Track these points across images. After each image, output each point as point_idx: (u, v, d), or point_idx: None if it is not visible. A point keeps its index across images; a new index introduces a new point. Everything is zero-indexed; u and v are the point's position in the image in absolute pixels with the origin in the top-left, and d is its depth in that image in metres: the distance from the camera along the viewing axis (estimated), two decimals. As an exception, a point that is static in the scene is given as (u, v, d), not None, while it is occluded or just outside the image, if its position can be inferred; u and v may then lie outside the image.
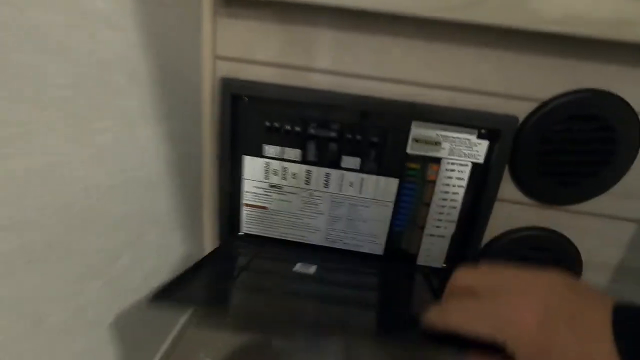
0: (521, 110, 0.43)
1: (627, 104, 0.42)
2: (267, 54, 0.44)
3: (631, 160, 0.44)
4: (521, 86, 0.43)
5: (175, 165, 0.40)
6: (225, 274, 0.44)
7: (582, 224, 0.48)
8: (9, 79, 0.21)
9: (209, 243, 0.55)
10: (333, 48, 0.43)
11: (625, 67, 0.41)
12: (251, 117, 0.46)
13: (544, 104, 0.43)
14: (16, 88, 0.21)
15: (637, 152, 0.43)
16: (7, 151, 0.21)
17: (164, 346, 0.45)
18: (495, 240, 0.50)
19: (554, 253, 0.49)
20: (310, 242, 0.52)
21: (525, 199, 0.48)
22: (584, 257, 0.50)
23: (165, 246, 0.41)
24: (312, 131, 0.46)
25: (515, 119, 0.43)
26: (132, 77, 0.30)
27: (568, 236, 0.49)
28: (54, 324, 0.26)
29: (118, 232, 0.32)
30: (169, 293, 0.32)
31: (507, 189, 0.47)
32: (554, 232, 0.49)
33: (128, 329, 0.36)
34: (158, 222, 0.38)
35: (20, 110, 0.22)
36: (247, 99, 0.46)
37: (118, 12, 0.29)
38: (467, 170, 0.46)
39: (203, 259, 0.42)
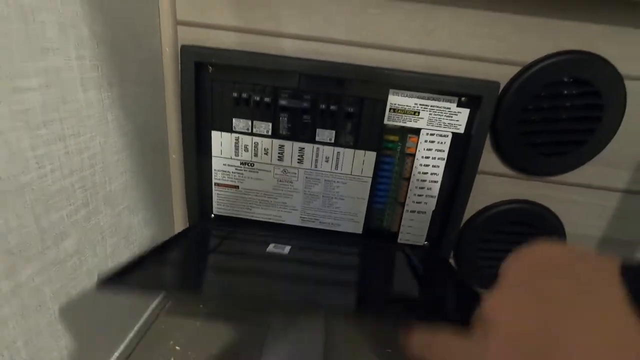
0: (503, 75, 0.41)
1: (613, 66, 0.40)
2: (232, 18, 0.41)
3: (616, 127, 0.42)
4: (502, 49, 0.40)
5: (132, 138, 0.37)
6: (193, 257, 0.41)
7: (567, 196, 0.46)
8: None
9: (179, 227, 0.52)
10: (301, 10, 0.40)
11: (610, 27, 0.39)
12: (217, 88, 0.43)
13: (526, 68, 0.41)
14: None
15: (622, 118, 0.42)
16: None
17: (130, 334, 0.42)
18: (477, 214, 0.48)
19: (538, 227, 0.48)
20: (286, 223, 0.50)
21: (508, 171, 0.46)
22: (567, 230, 0.48)
23: (123, 229, 0.38)
24: (283, 102, 0.43)
25: (497, 84, 0.41)
26: (66, 32, 0.27)
27: (552, 209, 0.47)
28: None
29: (57, 211, 0.28)
30: (120, 277, 0.29)
31: (489, 160, 0.45)
32: (537, 204, 0.47)
33: (80, 316, 0.33)
34: (111, 202, 0.35)
35: None
36: (212, 68, 0.42)
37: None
38: (447, 141, 0.44)
39: (166, 241, 0.39)
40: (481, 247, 0.49)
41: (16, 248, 0.25)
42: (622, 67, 0.40)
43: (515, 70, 0.41)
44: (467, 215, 0.48)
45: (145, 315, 0.46)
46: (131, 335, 0.43)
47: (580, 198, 0.46)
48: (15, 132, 0.24)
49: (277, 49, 0.42)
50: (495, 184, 0.46)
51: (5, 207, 0.24)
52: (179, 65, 0.42)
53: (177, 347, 0.44)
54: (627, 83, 0.40)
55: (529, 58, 0.40)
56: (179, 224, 0.51)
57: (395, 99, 0.42)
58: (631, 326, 0.15)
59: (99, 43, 0.31)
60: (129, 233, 0.40)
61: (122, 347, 0.41)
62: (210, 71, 0.42)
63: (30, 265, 0.27)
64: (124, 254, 0.39)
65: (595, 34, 0.39)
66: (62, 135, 0.28)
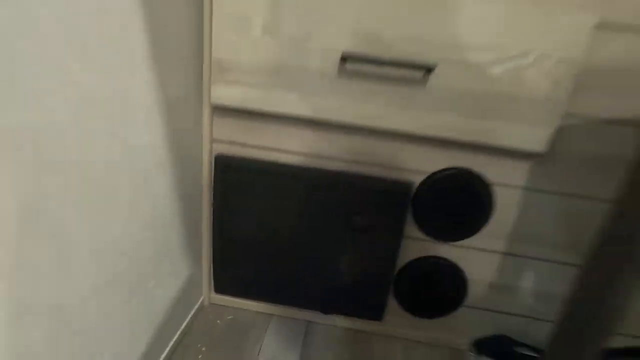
0: (415, 179, 0.65)
1: (485, 179, 0.63)
2: (250, 139, 0.66)
3: (490, 215, 0.65)
4: (414, 164, 0.64)
5: (181, 215, 0.62)
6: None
7: (464, 254, 0.69)
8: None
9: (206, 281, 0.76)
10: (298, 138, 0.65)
11: (483, 155, 0.62)
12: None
13: (429, 175, 0.65)
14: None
15: (492, 209, 0.65)
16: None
17: (175, 336, 0.66)
18: (405, 267, 0.71)
19: (449, 276, 0.71)
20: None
21: (425, 237, 0.69)
22: (468, 277, 0.71)
23: (174, 274, 0.62)
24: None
25: (409, 184, 0.65)
26: (151, 176, 0.51)
27: (454, 261, 0.70)
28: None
29: (149, 264, 0.53)
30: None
31: (412, 230, 0.69)
32: (444, 258, 0.70)
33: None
34: (170, 254, 0.60)
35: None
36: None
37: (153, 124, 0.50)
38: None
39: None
40: (411, 285, 0.72)
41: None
42: (491, 178, 0.63)
43: (423, 176, 0.65)
44: (400, 265, 0.71)
45: (185, 323, 0.70)
46: (175, 337, 0.66)
47: (471, 255, 0.69)
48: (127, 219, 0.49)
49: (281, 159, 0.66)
50: (414, 244, 0.70)
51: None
52: (213, 165, 0.67)
53: (203, 349, 0.68)
54: (493, 187, 0.64)
55: (432, 170, 0.64)
56: (206, 280, 0.75)
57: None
58: None
59: (172, 163, 0.56)
60: (177, 279, 0.64)
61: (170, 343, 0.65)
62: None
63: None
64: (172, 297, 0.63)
65: (474, 159, 0.63)
66: (151, 214, 0.53)
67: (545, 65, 0.54)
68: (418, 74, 0.55)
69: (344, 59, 0.56)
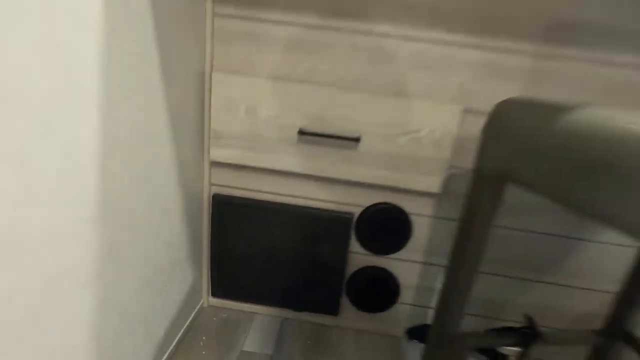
0: (356, 211, 0.91)
1: (404, 210, 0.90)
2: (239, 184, 0.92)
3: (409, 235, 0.92)
4: (351, 200, 0.91)
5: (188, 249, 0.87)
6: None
7: (395, 264, 0.95)
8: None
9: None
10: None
11: (401, 194, 0.89)
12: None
13: (366, 208, 0.91)
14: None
15: (411, 231, 0.91)
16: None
17: (182, 330, 0.90)
18: (353, 274, 0.97)
19: (386, 281, 0.96)
20: (259, 274, 0.98)
21: (366, 252, 0.95)
22: (400, 281, 0.96)
23: (182, 281, 0.87)
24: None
25: (352, 214, 0.91)
26: (168, 208, 0.76)
27: (389, 270, 0.96)
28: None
29: (166, 273, 0.78)
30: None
31: (356, 247, 0.94)
32: (381, 268, 0.96)
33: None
34: (179, 266, 0.84)
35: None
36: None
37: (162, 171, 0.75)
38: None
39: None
40: (358, 287, 0.97)
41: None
42: (408, 210, 0.90)
43: (361, 208, 0.91)
44: (349, 272, 0.96)
45: (191, 318, 0.94)
46: (183, 329, 0.91)
47: (400, 264, 0.95)
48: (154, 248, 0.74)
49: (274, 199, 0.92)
50: (359, 258, 0.95)
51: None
52: (211, 202, 0.92)
53: (203, 338, 0.92)
54: (411, 216, 0.90)
55: (366, 204, 0.91)
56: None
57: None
58: None
59: (181, 191, 0.81)
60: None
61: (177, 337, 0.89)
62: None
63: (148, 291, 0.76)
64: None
65: (398, 196, 0.89)
66: (170, 236, 0.78)
67: (434, 136, 0.81)
68: (350, 142, 0.83)
69: (301, 132, 0.82)
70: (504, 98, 0.78)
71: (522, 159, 0.50)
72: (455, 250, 0.67)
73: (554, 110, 0.46)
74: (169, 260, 0.80)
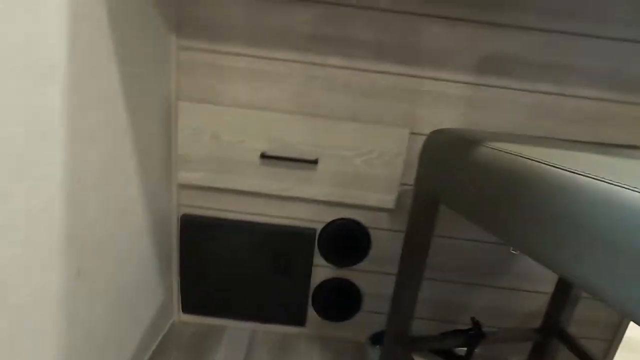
0: (318, 226, 0.98)
1: (363, 224, 0.97)
2: (206, 204, 0.97)
3: (368, 248, 0.99)
4: (315, 216, 0.97)
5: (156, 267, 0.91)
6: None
7: (357, 275, 1.02)
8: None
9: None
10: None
11: (360, 210, 0.96)
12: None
13: (327, 224, 0.97)
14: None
15: (370, 244, 0.98)
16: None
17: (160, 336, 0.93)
18: (318, 286, 1.03)
19: (349, 291, 1.03)
20: (228, 289, 1.03)
21: (329, 265, 1.01)
22: (362, 292, 1.03)
23: (155, 298, 0.90)
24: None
25: (314, 230, 0.97)
26: (137, 231, 0.80)
27: (352, 281, 1.02)
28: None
29: (139, 290, 0.81)
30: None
31: (320, 260, 1.01)
32: (345, 279, 1.02)
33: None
34: (151, 284, 0.88)
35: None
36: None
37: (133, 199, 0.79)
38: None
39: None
40: (323, 298, 1.03)
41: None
42: (367, 224, 0.97)
43: (323, 224, 0.98)
44: (314, 284, 1.02)
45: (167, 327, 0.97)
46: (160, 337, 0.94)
47: (362, 275, 1.02)
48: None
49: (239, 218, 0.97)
50: (323, 270, 1.02)
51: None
52: (180, 222, 0.96)
53: (174, 353, 0.95)
54: (369, 230, 0.97)
55: (328, 220, 0.97)
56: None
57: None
58: None
59: (151, 213, 0.85)
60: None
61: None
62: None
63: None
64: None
65: (356, 212, 0.96)
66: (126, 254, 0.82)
67: (386, 157, 0.89)
68: (309, 164, 0.89)
69: (263, 155, 0.88)
70: (447, 121, 0.86)
71: (450, 187, 0.58)
72: (402, 261, 0.74)
73: (476, 143, 0.54)
74: (139, 280, 0.83)
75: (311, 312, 1.06)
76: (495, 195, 0.47)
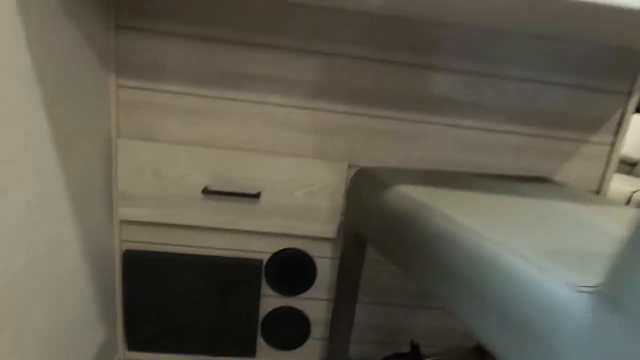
0: (264, 256, 0.99)
1: (308, 254, 1.00)
2: (149, 239, 0.96)
3: (314, 276, 1.01)
4: (263, 247, 0.99)
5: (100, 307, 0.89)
6: None
7: (304, 303, 1.04)
8: None
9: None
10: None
11: (304, 239, 0.99)
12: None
13: (274, 254, 0.99)
14: None
15: (316, 273, 1.01)
16: None
17: None
18: (266, 316, 1.04)
19: (297, 319, 1.04)
20: (175, 324, 1.02)
21: (276, 294, 1.03)
22: (310, 319, 1.05)
23: (96, 337, 0.88)
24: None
25: (261, 260, 0.99)
26: (76, 270, 0.79)
27: (300, 309, 1.04)
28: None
29: (80, 330, 0.79)
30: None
31: (267, 290, 1.02)
32: (293, 307, 1.04)
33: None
34: (91, 322, 0.86)
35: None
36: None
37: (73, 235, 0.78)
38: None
39: None
40: (272, 327, 1.04)
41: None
42: (312, 253, 1.00)
43: (269, 254, 0.99)
44: (263, 314, 1.03)
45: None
46: None
47: (309, 303, 1.04)
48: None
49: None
50: (270, 299, 1.03)
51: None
52: (122, 257, 0.95)
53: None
54: (314, 259, 1.00)
55: (274, 250, 0.99)
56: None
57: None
58: None
59: (94, 249, 0.84)
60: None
61: (90, 393, 0.89)
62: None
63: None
64: None
65: (301, 242, 0.99)
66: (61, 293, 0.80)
67: (326, 190, 0.92)
68: (251, 198, 0.91)
69: (205, 190, 0.90)
70: (383, 155, 0.91)
71: (368, 225, 0.62)
72: (337, 289, 0.77)
73: (388, 187, 0.58)
74: (80, 320, 0.82)
75: (261, 342, 1.06)
76: (399, 237, 0.52)
